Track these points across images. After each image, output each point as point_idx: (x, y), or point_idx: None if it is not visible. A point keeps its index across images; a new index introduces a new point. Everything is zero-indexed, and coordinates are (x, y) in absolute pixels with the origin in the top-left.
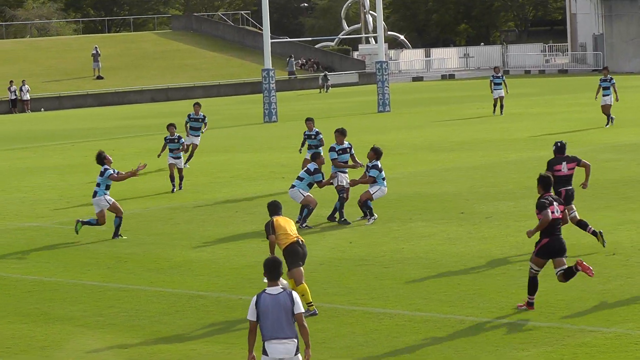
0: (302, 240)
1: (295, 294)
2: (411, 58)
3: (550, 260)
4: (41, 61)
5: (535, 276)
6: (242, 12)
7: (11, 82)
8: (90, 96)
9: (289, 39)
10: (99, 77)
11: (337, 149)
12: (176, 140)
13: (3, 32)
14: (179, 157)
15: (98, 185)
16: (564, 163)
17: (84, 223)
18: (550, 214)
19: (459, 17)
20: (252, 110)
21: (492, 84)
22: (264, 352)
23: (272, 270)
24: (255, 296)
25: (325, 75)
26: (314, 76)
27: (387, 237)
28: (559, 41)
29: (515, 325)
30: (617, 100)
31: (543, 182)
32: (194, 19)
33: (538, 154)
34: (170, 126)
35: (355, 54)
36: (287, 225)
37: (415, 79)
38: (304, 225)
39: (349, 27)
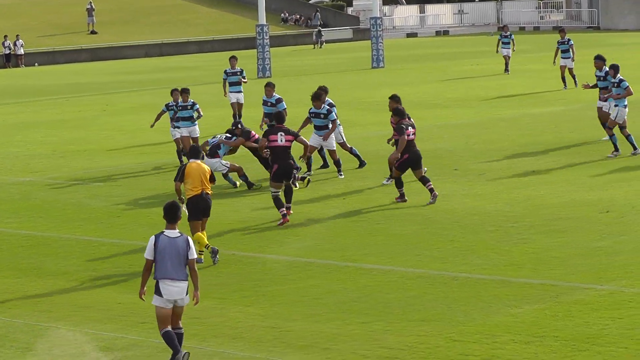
0: (206, 193)
1: (191, 240)
2: (405, 14)
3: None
4: (35, 16)
5: (399, 177)
6: None
7: (5, 36)
8: (84, 51)
9: None
10: (93, 32)
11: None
12: (189, 107)
13: None
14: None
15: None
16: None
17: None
18: (406, 136)
19: None
20: (246, 65)
21: (500, 42)
22: (157, 292)
23: (170, 214)
24: (154, 236)
25: (319, 31)
26: (307, 32)
27: (380, 193)
28: None
29: (508, 282)
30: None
31: (397, 114)
32: None
33: (532, 111)
34: (184, 92)
35: (350, 10)
36: (197, 174)
37: (409, 35)
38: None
39: None
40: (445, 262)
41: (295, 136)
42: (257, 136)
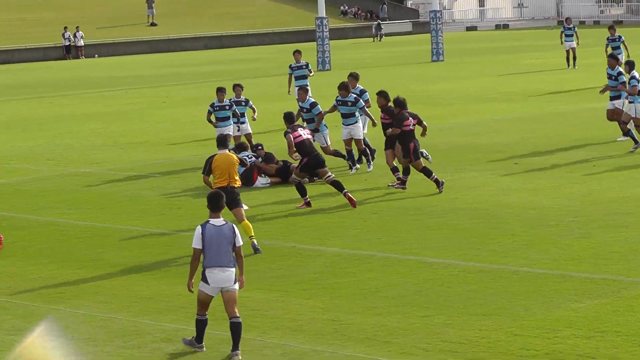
0: (232, 186)
1: (236, 228)
2: (465, 7)
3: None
4: (95, 7)
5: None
6: None
7: (65, 28)
8: (143, 43)
9: None
10: (153, 24)
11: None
12: (227, 108)
13: None
14: (244, 122)
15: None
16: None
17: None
18: (406, 126)
19: None
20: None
21: (563, 35)
22: (204, 280)
23: (214, 203)
24: (200, 226)
25: (378, 24)
26: (367, 25)
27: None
28: None
29: (569, 276)
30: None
31: (399, 104)
32: None
33: (590, 105)
34: (237, 86)
35: (409, 3)
36: (225, 165)
37: (469, 29)
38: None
39: None
40: (506, 257)
41: (313, 131)
42: (277, 160)
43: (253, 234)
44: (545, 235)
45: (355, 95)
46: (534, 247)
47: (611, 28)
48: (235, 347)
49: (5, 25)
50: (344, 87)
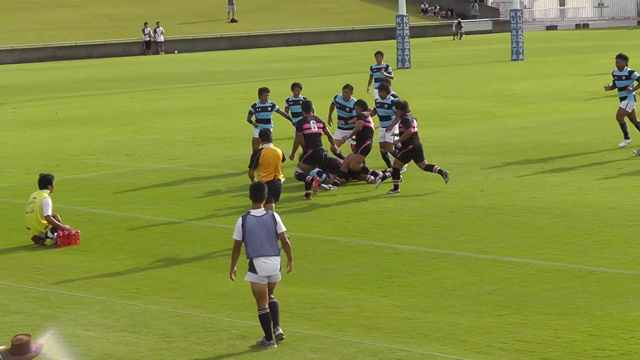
0: (278, 179)
1: (277, 215)
2: (545, 7)
3: None
4: (176, 3)
5: (399, 168)
6: None
7: (146, 23)
8: (223, 39)
9: None
10: (233, 20)
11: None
12: (269, 109)
13: None
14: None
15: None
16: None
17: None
18: (412, 128)
19: None
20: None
21: None
22: (252, 269)
23: (256, 194)
24: (241, 218)
25: (458, 23)
26: (447, 23)
27: (518, 185)
28: None
29: None
30: None
31: (400, 106)
32: None
33: None
34: (296, 86)
35: (490, 2)
36: (272, 160)
37: (549, 28)
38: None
39: None
40: (583, 256)
41: (324, 125)
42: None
43: None
44: (623, 235)
45: (392, 98)
46: (611, 247)
47: None
48: (276, 323)
49: (89, 20)
50: (382, 88)
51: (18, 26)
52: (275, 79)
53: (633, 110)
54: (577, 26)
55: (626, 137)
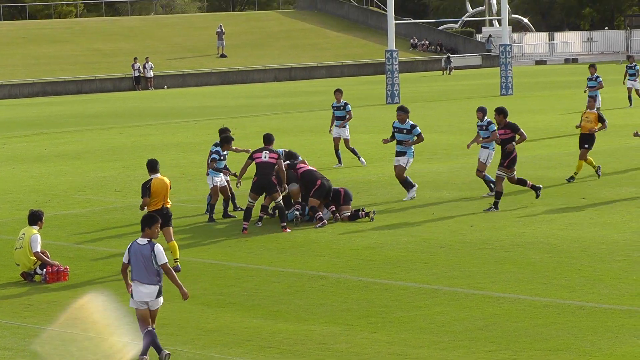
0: (166, 207)
1: (157, 246)
2: (534, 41)
3: None
4: (165, 38)
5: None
6: None
7: (135, 59)
8: (213, 74)
9: (413, 21)
10: (223, 56)
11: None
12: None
13: (128, 9)
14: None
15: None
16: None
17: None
18: None
19: (584, 1)
20: (374, 91)
21: (627, 74)
22: (131, 295)
23: (145, 223)
24: (131, 243)
25: (448, 57)
26: (436, 58)
27: (508, 220)
28: None
29: (636, 312)
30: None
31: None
32: None
33: None
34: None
35: (479, 37)
36: (160, 189)
37: (538, 63)
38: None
39: (473, 9)
40: (573, 291)
41: (278, 157)
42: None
43: (178, 257)
44: (613, 270)
45: (412, 123)
46: (601, 282)
47: (629, 57)
48: (143, 352)
49: (78, 56)
50: (402, 111)
51: (7, 61)
52: (265, 114)
53: None
54: (567, 61)
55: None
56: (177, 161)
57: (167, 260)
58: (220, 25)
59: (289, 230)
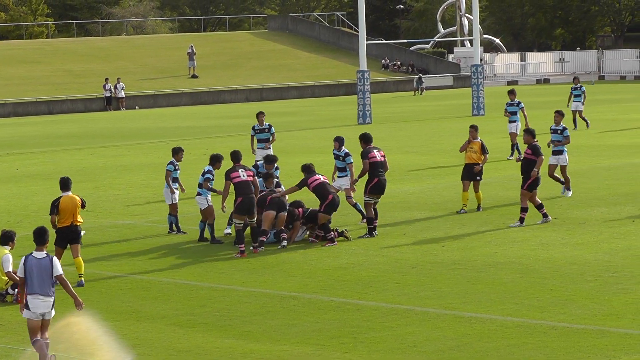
0: (76, 224)
1: (55, 259)
2: (506, 62)
3: None
4: (136, 59)
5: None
6: (338, 13)
7: (106, 79)
8: (185, 95)
9: (385, 41)
10: (194, 76)
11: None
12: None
13: (99, 30)
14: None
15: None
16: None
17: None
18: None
19: (556, 22)
20: (346, 111)
21: (572, 95)
22: (27, 307)
23: (38, 238)
24: (24, 257)
25: (419, 78)
26: (408, 78)
27: (480, 241)
28: None
29: (607, 332)
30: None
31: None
32: (290, 20)
33: (632, 161)
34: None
35: (451, 57)
36: (69, 207)
37: (510, 83)
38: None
39: (444, 29)
40: (544, 312)
41: (254, 174)
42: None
43: (83, 273)
44: (585, 291)
45: (346, 151)
46: (573, 302)
47: (575, 79)
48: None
49: (49, 76)
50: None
51: None
52: (236, 135)
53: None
54: (538, 81)
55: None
56: (148, 182)
57: (63, 272)
58: (192, 46)
59: (261, 249)
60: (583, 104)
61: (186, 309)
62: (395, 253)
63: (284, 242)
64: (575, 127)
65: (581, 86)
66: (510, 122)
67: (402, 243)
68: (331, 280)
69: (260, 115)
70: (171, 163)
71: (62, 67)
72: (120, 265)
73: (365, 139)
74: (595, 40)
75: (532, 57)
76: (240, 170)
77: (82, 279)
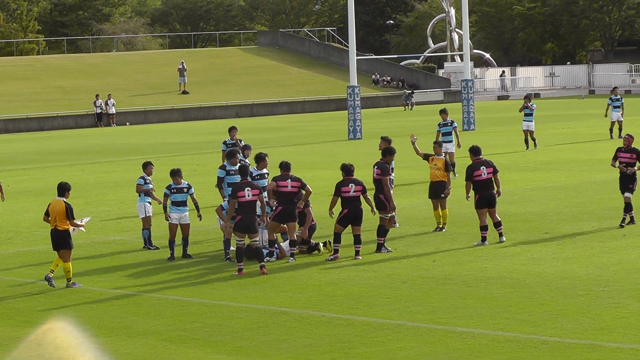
0: (57, 229)
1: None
2: (496, 77)
3: None
4: (127, 75)
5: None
6: (328, 28)
7: (97, 95)
8: (175, 111)
9: (375, 56)
10: (185, 92)
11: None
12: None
13: (90, 46)
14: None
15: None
16: (483, 167)
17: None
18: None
19: (546, 36)
20: (336, 127)
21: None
22: None
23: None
24: None
25: (410, 93)
26: (398, 93)
27: (471, 256)
28: None
29: (598, 346)
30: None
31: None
32: (280, 35)
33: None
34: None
35: (441, 72)
36: (54, 211)
37: (500, 98)
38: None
39: (434, 44)
40: (536, 326)
41: (260, 192)
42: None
43: (70, 277)
44: (576, 305)
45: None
46: (564, 317)
47: (527, 97)
48: None
49: (40, 93)
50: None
51: None
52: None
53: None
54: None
55: None
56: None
57: None
58: (182, 62)
59: (266, 272)
60: (622, 115)
61: (177, 324)
62: (386, 268)
63: (292, 259)
64: (527, 147)
65: (533, 104)
66: (445, 142)
67: (393, 258)
68: (322, 295)
69: (232, 130)
70: (142, 177)
71: (52, 84)
72: (112, 281)
73: (347, 171)
74: (586, 54)
75: (522, 71)
76: (246, 189)
77: (73, 282)
